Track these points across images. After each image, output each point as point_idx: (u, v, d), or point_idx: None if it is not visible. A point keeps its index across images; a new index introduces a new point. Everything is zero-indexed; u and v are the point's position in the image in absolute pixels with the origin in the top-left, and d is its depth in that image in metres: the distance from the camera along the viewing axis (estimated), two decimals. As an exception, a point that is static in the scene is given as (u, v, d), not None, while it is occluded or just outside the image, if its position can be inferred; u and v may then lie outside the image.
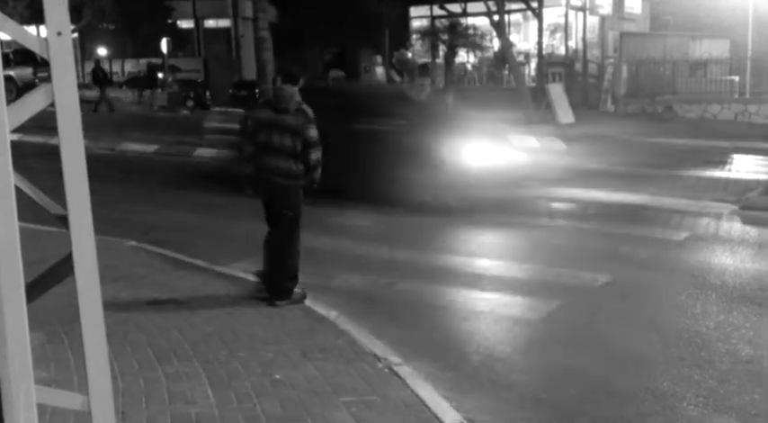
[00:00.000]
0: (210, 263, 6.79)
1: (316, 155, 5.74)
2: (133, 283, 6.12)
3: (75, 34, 28.60)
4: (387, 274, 6.71)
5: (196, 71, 33.16)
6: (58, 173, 1.70)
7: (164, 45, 28.50)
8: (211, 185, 11.85)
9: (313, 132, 5.72)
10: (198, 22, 35.58)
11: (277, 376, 4.33)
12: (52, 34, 1.71)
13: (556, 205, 10.37)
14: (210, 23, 35.66)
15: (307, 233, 8.14)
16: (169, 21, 34.13)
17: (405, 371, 4.47)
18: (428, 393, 4.19)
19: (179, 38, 33.70)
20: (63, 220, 1.76)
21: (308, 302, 5.70)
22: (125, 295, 5.73)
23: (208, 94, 31.80)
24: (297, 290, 5.78)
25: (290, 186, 5.75)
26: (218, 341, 4.84)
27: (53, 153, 1.85)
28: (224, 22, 34.70)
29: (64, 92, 1.72)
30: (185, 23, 35.58)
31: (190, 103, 29.55)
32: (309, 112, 5.74)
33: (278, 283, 5.73)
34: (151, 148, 15.86)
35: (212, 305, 5.58)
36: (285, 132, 5.67)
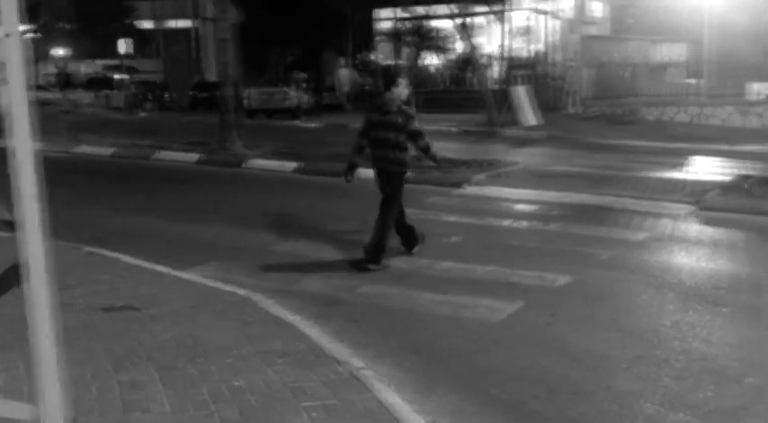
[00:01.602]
0: (171, 268, 6.70)
1: (423, 142, 7.17)
2: (88, 289, 6.01)
3: (30, 35, 28.07)
4: (350, 277, 6.69)
5: (155, 72, 32.80)
6: (5, 176, 1.66)
7: (121, 46, 28.13)
8: (176, 188, 11.76)
9: (414, 126, 7.05)
10: (158, 22, 35.17)
11: (236, 382, 4.27)
12: (0, 36, 1.69)
13: (519, 207, 10.46)
14: (171, 24, 35.29)
15: (271, 236, 8.18)
16: (128, 21, 33.68)
17: (367, 375, 4.45)
18: (390, 397, 4.17)
19: (138, 38, 33.28)
20: (9, 225, 1.72)
21: (269, 306, 5.66)
22: (80, 302, 5.62)
23: (167, 95, 31.49)
24: (385, 261, 6.99)
25: (394, 171, 7.11)
26: (176, 347, 4.78)
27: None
28: (184, 23, 34.38)
29: (13, 93, 1.70)
30: (145, 24, 35.16)
31: (148, 105, 29.23)
32: (409, 110, 7.15)
33: (373, 250, 6.94)
34: (108, 150, 15.65)
35: (171, 311, 5.50)
36: (390, 129, 7.01)
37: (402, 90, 7.13)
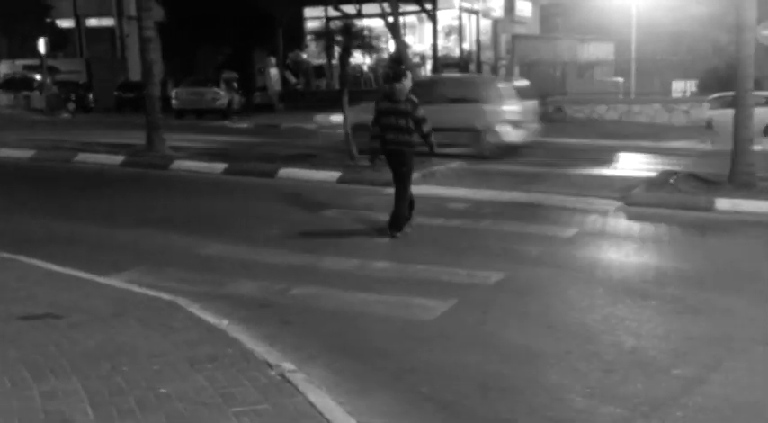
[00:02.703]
0: (94, 274, 6.46)
1: (426, 128, 8.17)
2: (6, 296, 5.74)
3: None
4: (281, 279, 6.58)
5: (77, 72, 31.83)
6: None
7: (41, 45, 27.12)
8: (99, 191, 11.39)
9: (420, 113, 8.09)
10: (79, 20, 34.10)
11: (163, 390, 4.13)
12: None
13: (451, 205, 10.50)
14: (93, 22, 34.27)
15: (198, 240, 7.98)
16: (48, 19, 32.54)
17: (298, 377, 4.36)
18: (321, 399, 4.10)
19: (59, 37, 32.20)
20: None
21: (197, 311, 5.51)
22: (-2, 310, 5.37)
23: (91, 96, 30.60)
24: (406, 228, 8.29)
25: (406, 152, 8.23)
26: (100, 355, 4.59)
27: None
28: (107, 21, 33.42)
29: None
30: (65, 22, 34.04)
31: (71, 106, 28.34)
32: (415, 99, 8.17)
33: (396, 219, 8.22)
34: (28, 153, 15.08)
35: (94, 318, 5.29)
36: (400, 116, 8.09)
37: (408, 82, 8.17)
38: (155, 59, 15.28)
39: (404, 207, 8.29)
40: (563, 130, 21.90)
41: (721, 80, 24.03)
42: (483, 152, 14.60)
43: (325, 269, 6.96)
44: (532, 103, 16.22)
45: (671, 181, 11.27)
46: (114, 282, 6.29)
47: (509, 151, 14.86)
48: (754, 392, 4.41)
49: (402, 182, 8.33)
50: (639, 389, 4.43)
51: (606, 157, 15.69)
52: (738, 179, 10.64)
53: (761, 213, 9.49)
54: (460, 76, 23.34)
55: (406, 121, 8.10)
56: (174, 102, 26.26)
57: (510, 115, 14.89)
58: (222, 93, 26.43)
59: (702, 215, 9.58)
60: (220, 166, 13.07)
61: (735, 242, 8.40)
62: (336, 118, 15.11)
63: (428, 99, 10.72)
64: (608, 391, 4.40)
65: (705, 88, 26.17)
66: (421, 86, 12.81)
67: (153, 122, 14.76)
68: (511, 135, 14.82)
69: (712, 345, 5.13)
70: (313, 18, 29.49)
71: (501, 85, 16.11)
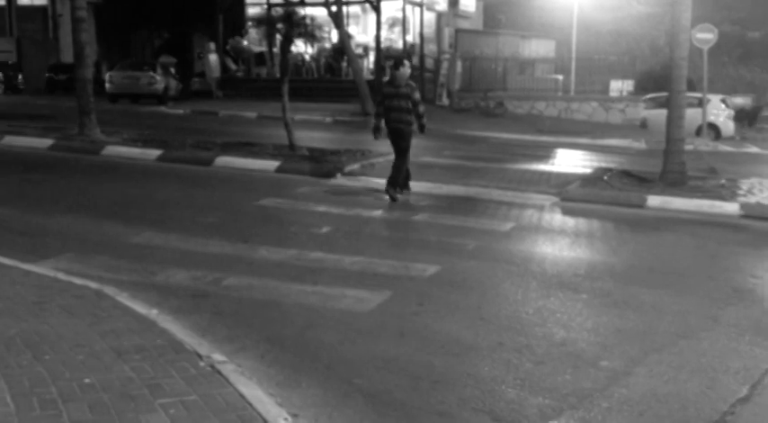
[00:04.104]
0: (18, 261, 6.23)
1: (421, 109, 9.76)
2: (-76, 284, 5.51)
3: None
4: (215, 268, 6.46)
5: (7, 52, 30.72)
6: None
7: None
8: (26, 176, 11.00)
9: (417, 96, 9.77)
10: (10, -1, 32.84)
11: (87, 380, 4.02)
12: None
13: (388, 197, 10.50)
14: (25, 1, 33.03)
15: (129, 227, 7.78)
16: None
17: (228, 368, 4.30)
18: (251, 390, 4.05)
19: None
20: None
21: (125, 300, 5.36)
22: None
23: (21, 77, 29.59)
24: (399, 195, 9.83)
25: (406, 129, 9.82)
26: (21, 345, 4.43)
27: None
28: (40, 1, 32.27)
29: None
30: (-5, 1, 32.76)
31: (-1, 87, 27.34)
32: (414, 84, 9.90)
33: (394, 181, 9.78)
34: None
35: (16, 306, 5.10)
36: (402, 98, 9.67)
37: (407, 70, 9.72)
38: (87, 41, 14.80)
39: (400, 174, 9.83)
40: (503, 124, 22.18)
41: (657, 81, 24.71)
42: None
43: (261, 259, 6.87)
44: None
45: (605, 178, 11.50)
46: (39, 269, 6.08)
47: None
48: (677, 384, 4.53)
49: (402, 156, 9.88)
50: (568, 380, 4.50)
51: (544, 153, 15.94)
52: (670, 177, 10.93)
53: (690, 211, 9.76)
54: None
55: (406, 102, 9.64)
56: (107, 85, 25.53)
57: None
58: (159, 77, 25.80)
59: (634, 211, 9.81)
60: (155, 153, 12.77)
61: (664, 238, 8.62)
62: None
63: None
64: (538, 382, 4.46)
65: (642, 88, 26.84)
66: None
67: (84, 106, 14.32)
68: None
69: (639, 338, 5.25)
70: (254, 4, 29.06)
71: None
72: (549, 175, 12.70)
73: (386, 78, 10.18)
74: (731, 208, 9.76)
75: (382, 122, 9.86)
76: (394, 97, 9.70)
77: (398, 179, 9.81)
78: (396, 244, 7.64)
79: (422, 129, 9.91)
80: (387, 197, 9.75)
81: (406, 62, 9.80)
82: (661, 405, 4.27)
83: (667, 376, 4.65)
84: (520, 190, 10.87)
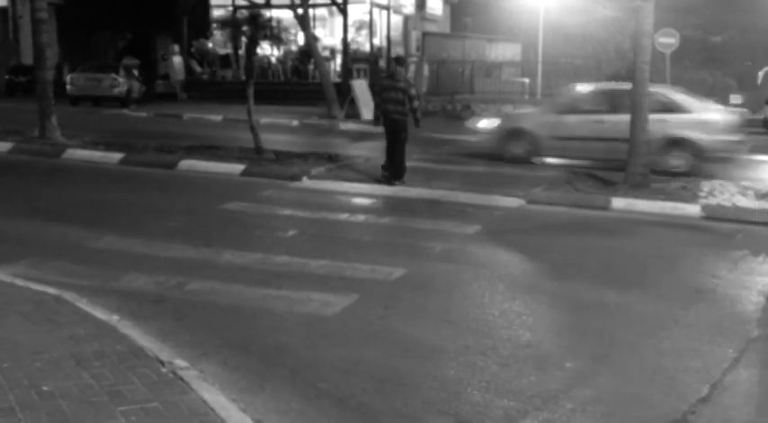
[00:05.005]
0: (-27, 266, 6.10)
1: (416, 103, 10.99)
2: None
3: None
4: (178, 273, 6.37)
5: (-34, 54, 30.08)
6: None
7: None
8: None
9: (413, 91, 11.03)
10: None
11: (45, 387, 3.94)
12: None
13: (355, 200, 10.48)
14: (-17, 2, 32.38)
15: (90, 232, 7.64)
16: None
17: (191, 375, 4.24)
18: (214, 396, 4.00)
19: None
20: None
21: (85, 306, 5.26)
22: None
23: (-22, 79, 28.96)
24: (398, 181, 10.93)
25: (401, 120, 10.91)
26: (-23, 353, 4.33)
27: None
28: (0, 2, 31.67)
29: None
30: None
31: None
32: (410, 79, 11.54)
33: (394, 171, 10.95)
34: None
35: (-29, 313, 4.99)
36: (398, 91, 10.82)
37: (407, 68, 10.80)
38: (48, 42, 14.53)
39: (403, 160, 10.94)
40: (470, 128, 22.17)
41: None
42: None
43: (225, 263, 6.79)
44: None
45: (570, 181, 11.60)
46: (-4, 275, 5.94)
47: None
48: (640, 385, 4.57)
49: (400, 145, 10.98)
50: (533, 382, 4.52)
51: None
52: (633, 180, 11.04)
53: (653, 213, 9.88)
54: None
55: (403, 95, 10.78)
56: (69, 87, 25.08)
57: None
58: (121, 79, 25.41)
59: (599, 214, 9.89)
60: (117, 156, 12.58)
61: (628, 240, 8.70)
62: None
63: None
64: (503, 384, 4.47)
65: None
66: None
67: (45, 109, 14.04)
68: None
69: (603, 339, 5.29)
70: (219, 6, 28.82)
71: None
72: (516, 177, 12.74)
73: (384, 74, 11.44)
74: (693, 210, 9.90)
75: (380, 111, 11.11)
76: (391, 90, 10.85)
77: (399, 164, 10.90)
78: (362, 247, 7.61)
79: (417, 122, 11.07)
80: (390, 184, 10.83)
81: (407, 62, 11.41)
82: (625, 405, 4.30)
83: (630, 376, 4.69)
84: (487, 193, 10.89)
